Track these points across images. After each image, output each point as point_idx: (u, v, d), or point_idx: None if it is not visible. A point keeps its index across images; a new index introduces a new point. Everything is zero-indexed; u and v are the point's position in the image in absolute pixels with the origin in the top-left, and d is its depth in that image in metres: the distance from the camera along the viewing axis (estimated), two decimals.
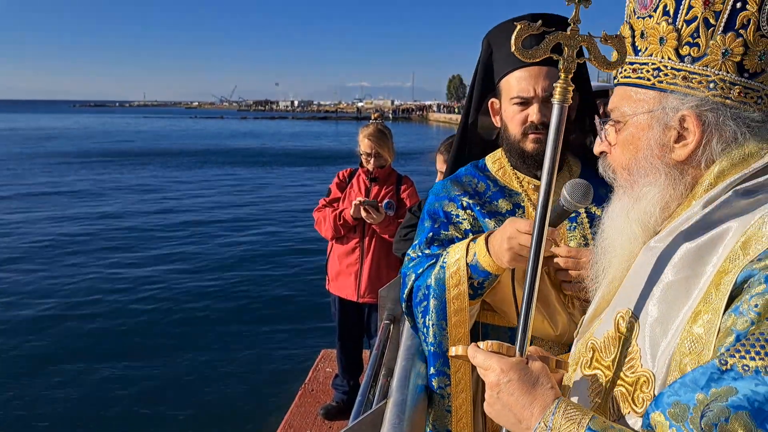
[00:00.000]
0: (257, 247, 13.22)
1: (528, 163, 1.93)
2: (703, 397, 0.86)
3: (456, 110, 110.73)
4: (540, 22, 1.04)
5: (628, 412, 1.05)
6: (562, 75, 1.06)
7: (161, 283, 10.37)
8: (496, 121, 2.04)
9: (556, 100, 1.07)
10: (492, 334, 1.93)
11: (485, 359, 1.12)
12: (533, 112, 1.86)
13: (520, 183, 1.99)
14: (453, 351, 1.25)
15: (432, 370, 1.86)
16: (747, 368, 0.85)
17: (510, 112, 1.92)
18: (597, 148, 1.27)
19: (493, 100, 2.02)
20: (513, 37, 1.03)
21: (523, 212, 1.94)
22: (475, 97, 2.11)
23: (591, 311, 1.31)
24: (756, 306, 0.89)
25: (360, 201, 4.45)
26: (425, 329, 1.85)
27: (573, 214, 1.80)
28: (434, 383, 1.86)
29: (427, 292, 1.82)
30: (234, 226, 15.49)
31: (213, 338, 8.18)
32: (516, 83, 1.88)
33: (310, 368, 5.75)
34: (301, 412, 4.99)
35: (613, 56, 1.12)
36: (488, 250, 1.71)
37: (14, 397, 6.44)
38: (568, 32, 1.05)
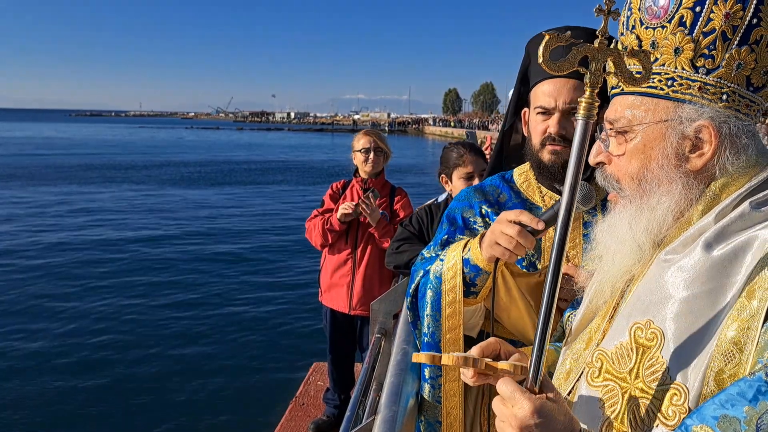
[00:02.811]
0: (248, 259, 13.16)
1: (544, 174, 1.94)
2: (752, 410, 0.86)
3: (452, 124, 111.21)
4: (569, 33, 0.99)
5: (657, 425, 1.03)
6: (588, 90, 1.01)
7: (149, 295, 10.30)
8: (525, 131, 2.05)
9: (580, 115, 1.01)
10: None
11: (513, 393, 1.02)
12: (552, 124, 1.87)
13: (542, 197, 1.99)
14: (414, 358, 1.24)
15: None
16: None
17: (533, 122, 1.94)
18: (594, 159, 1.25)
19: (525, 109, 2.04)
20: (541, 48, 0.98)
21: None
22: (511, 105, 2.14)
23: (577, 321, 1.30)
24: None
25: (356, 204, 4.44)
26: (422, 320, 1.89)
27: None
28: (426, 373, 1.89)
29: (426, 285, 1.87)
30: (225, 237, 15.44)
31: (203, 350, 8.11)
32: (541, 94, 1.89)
33: (302, 381, 5.69)
34: (291, 426, 4.92)
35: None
36: (481, 244, 1.74)
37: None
38: (596, 45, 1.01)
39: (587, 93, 1.01)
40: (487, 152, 4.11)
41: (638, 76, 1.07)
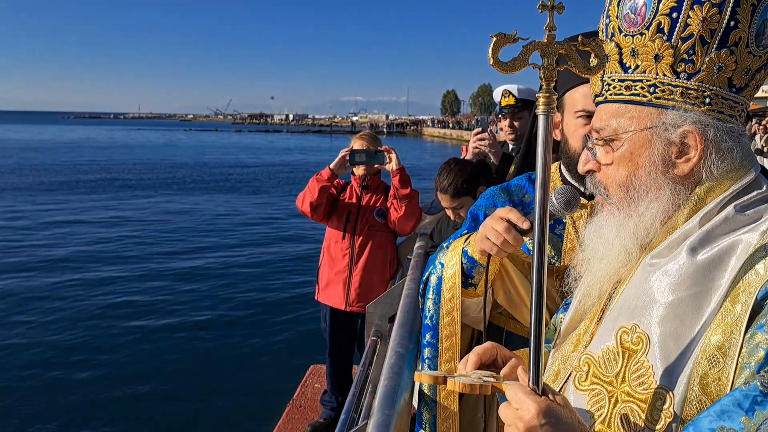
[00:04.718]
0: (247, 262, 13.15)
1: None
2: (749, 421, 0.86)
3: (450, 125, 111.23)
4: (516, 31, 1.02)
5: (644, 429, 1.03)
6: (543, 84, 1.02)
7: (149, 300, 10.28)
8: (556, 135, 2.03)
9: (540, 111, 1.03)
10: (513, 341, 1.98)
11: (517, 396, 1.02)
12: None
13: None
14: (416, 377, 1.22)
15: (424, 341, 1.95)
16: None
17: (573, 126, 1.92)
18: (583, 167, 1.26)
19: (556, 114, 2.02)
20: (490, 50, 1.00)
21: (563, 228, 1.97)
22: (535, 111, 2.14)
23: (566, 323, 1.30)
24: None
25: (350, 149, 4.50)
26: (426, 303, 1.95)
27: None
28: (425, 353, 1.95)
29: (432, 272, 1.94)
30: (223, 240, 15.43)
31: (200, 352, 8.10)
32: (582, 98, 1.88)
33: (299, 384, 5.67)
34: (288, 429, 4.91)
35: (592, 61, 1.08)
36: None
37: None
38: (545, 40, 1.02)
39: (543, 87, 1.02)
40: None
41: (592, 65, 1.06)
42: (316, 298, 4.92)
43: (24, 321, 9.06)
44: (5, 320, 9.05)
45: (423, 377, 1.19)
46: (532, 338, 1.04)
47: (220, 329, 8.96)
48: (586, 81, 1.83)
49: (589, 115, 1.87)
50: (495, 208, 2.05)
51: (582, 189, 1.94)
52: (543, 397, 1.01)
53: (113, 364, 7.65)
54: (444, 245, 2.04)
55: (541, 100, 1.03)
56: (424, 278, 2.01)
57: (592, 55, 1.08)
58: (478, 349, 1.28)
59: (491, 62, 1.00)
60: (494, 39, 1.00)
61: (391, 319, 3.23)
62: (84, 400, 6.69)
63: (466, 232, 2.03)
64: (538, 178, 1.04)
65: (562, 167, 2.07)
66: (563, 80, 1.96)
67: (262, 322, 9.31)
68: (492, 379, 1.17)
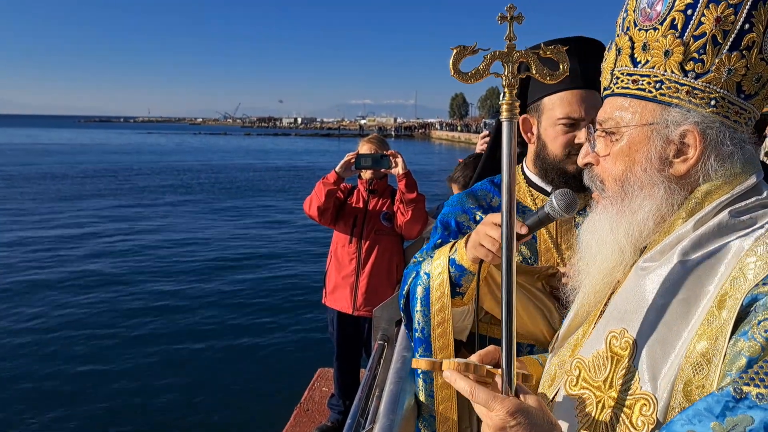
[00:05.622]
0: (254, 266, 13.15)
1: (570, 183, 1.89)
2: (719, 426, 0.85)
3: (458, 128, 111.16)
4: (476, 43, 1.05)
5: None
6: (507, 92, 1.05)
7: (154, 304, 10.31)
8: (527, 138, 2.01)
9: (504, 117, 1.05)
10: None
11: (487, 399, 1.04)
12: (583, 135, 1.85)
13: (534, 200, 1.99)
14: (414, 364, 1.23)
15: (417, 356, 1.92)
16: (761, 396, 0.84)
17: (553, 132, 1.90)
18: (582, 159, 1.25)
19: (524, 116, 2.00)
20: (451, 61, 1.03)
21: None
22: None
23: (565, 327, 1.29)
24: (766, 331, 0.88)
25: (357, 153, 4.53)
26: (414, 316, 1.91)
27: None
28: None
29: (416, 284, 1.90)
30: (230, 243, 15.46)
31: (207, 355, 8.12)
32: (565, 104, 1.86)
33: (306, 387, 5.68)
34: None
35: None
36: (466, 245, 1.75)
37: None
38: (505, 49, 1.05)
39: (507, 95, 1.06)
40: None
41: (555, 72, 1.07)
42: (323, 302, 4.93)
43: (26, 327, 9.13)
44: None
45: (420, 363, 1.21)
46: (504, 341, 1.06)
47: (227, 333, 8.96)
48: (569, 87, 1.83)
49: (572, 123, 1.85)
50: (465, 214, 2.04)
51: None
52: (512, 398, 1.03)
53: (119, 366, 7.67)
54: (418, 257, 2.02)
55: (504, 107, 1.06)
56: (404, 292, 1.97)
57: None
58: (480, 352, 1.29)
59: (452, 73, 1.04)
60: (454, 51, 1.05)
61: (398, 323, 3.22)
62: (89, 402, 6.72)
63: (440, 241, 2.00)
64: (503, 182, 1.06)
65: (527, 169, 2.05)
66: (540, 84, 1.93)
67: (270, 326, 9.32)
68: (489, 366, 1.18)
